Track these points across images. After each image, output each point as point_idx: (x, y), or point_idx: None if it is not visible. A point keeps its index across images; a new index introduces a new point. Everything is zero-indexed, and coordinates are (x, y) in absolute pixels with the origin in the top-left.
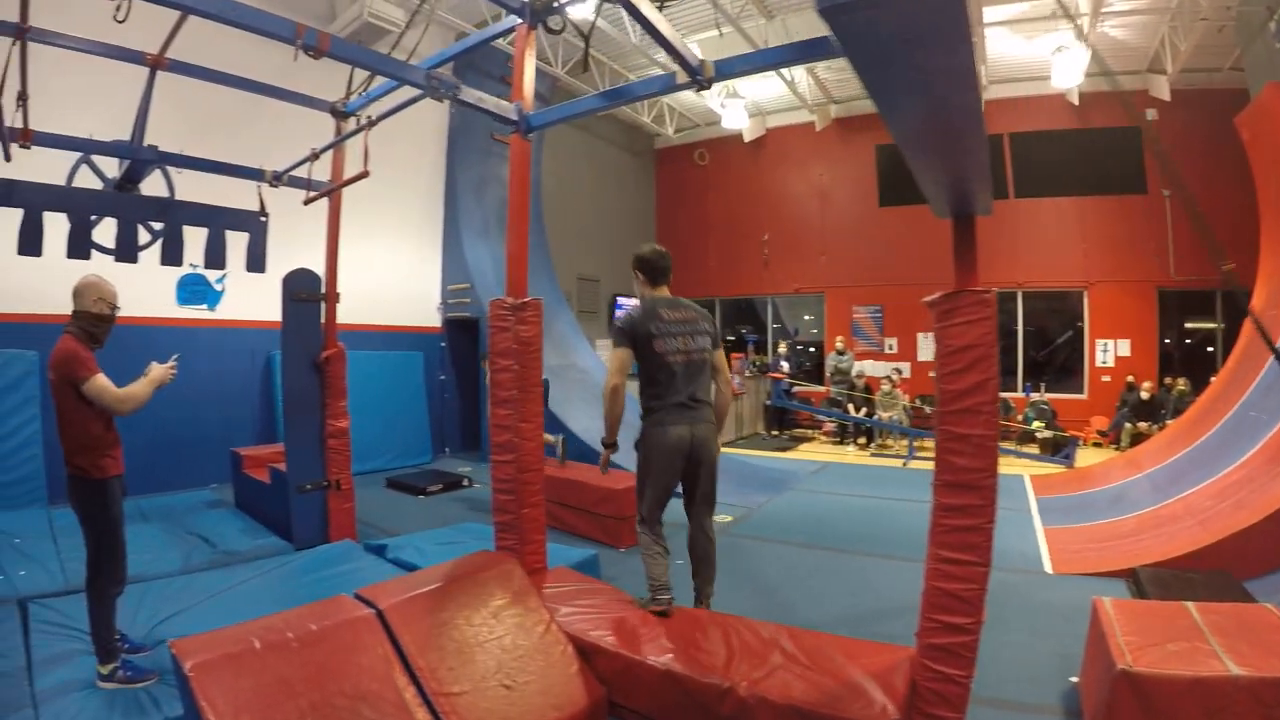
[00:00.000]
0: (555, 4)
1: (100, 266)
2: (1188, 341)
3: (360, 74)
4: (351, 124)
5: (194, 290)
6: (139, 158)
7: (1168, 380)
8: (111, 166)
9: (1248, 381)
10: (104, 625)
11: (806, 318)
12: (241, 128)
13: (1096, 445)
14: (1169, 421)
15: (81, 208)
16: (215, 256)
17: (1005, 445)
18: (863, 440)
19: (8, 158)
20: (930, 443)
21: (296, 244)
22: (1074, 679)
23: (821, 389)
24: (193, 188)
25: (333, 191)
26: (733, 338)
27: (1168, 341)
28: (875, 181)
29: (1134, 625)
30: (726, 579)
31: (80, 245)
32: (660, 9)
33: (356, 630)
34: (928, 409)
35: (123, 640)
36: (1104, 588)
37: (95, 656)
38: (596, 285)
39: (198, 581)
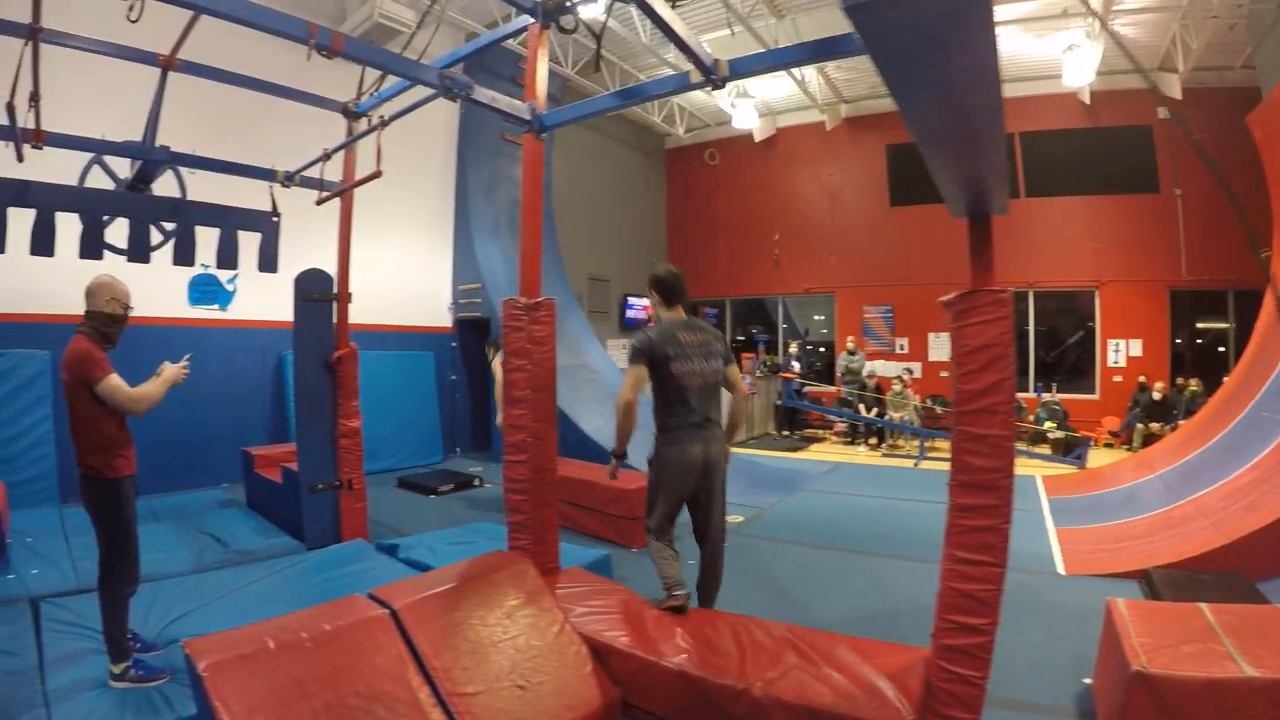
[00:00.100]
0: (568, 3)
1: (112, 267)
2: (1199, 342)
3: (371, 74)
4: (363, 124)
5: (205, 290)
6: (151, 158)
7: (1180, 380)
8: (123, 167)
9: (1260, 382)
10: (116, 625)
11: (817, 318)
12: (253, 128)
13: (1108, 446)
14: (1181, 422)
15: (94, 208)
16: (227, 257)
17: (1017, 446)
18: (874, 441)
19: (20, 158)
20: (942, 443)
21: (308, 244)
22: (1088, 680)
23: (832, 389)
24: (204, 188)
25: (345, 191)
26: (743, 338)
27: (1179, 342)
28: (886, 181)
29: (1148, 626)
30: (738, 579)
31: (93, 245)
32: (673, 7)
33: (371, 630)
34: (939, 409)
35: (135, 639)
36: (1117, 589)
37: (107, 655)
38: (607, 285)
39: (209, 581)
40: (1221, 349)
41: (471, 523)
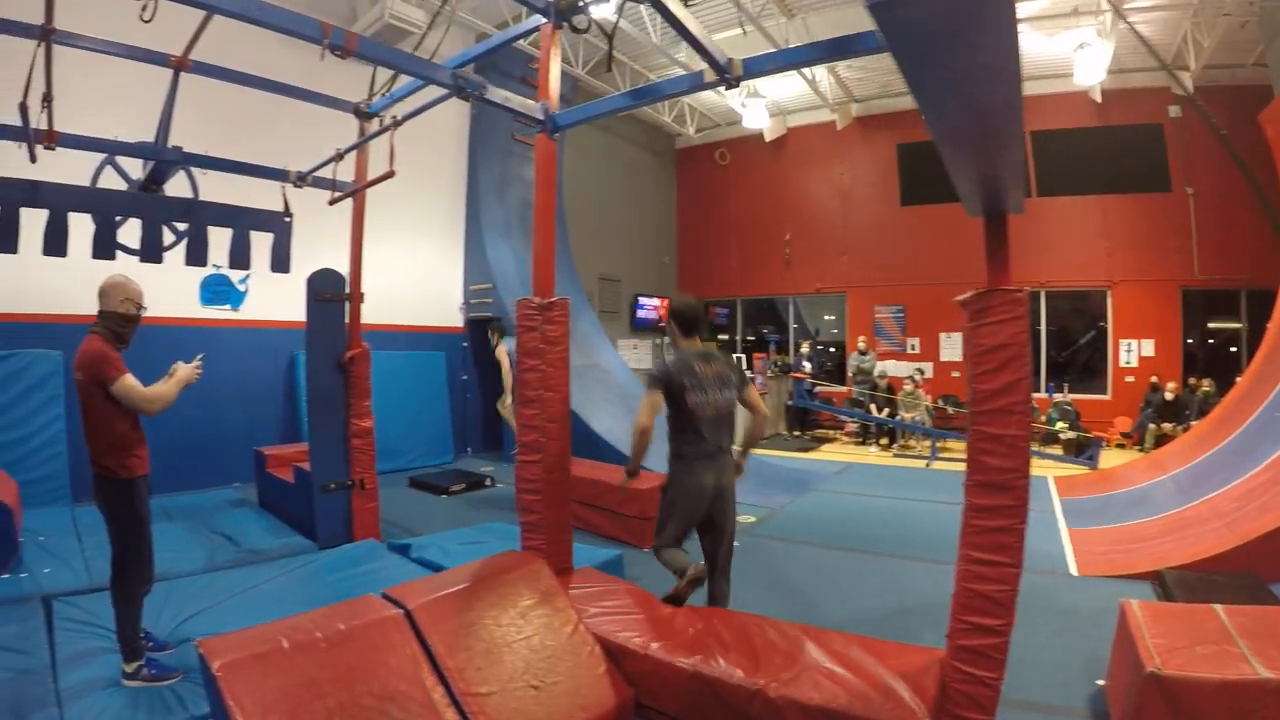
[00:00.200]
0: (580, 3)
1: (123, 267)
2: (1211, 342)
3: (383, 75)
4: (374, 125)
5: (217, 291)
6: (163, 159)
7: (1192, 381)
8: (135, 167)
9: (1273, 382)
10: (130, 624)
11: (828, 317)
12: (264, 129)
13: (1120, 447)
14: (1193, 423)
15: (107, 208)
16: (240, 257)
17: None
18: (885, 441)
19: (33, 159)
20: (953, 444)
21: (320, 244)
22: (1101, 682)
23: (843, 389)
24: (215, 188)
25: (358, 192)
26: (754, 337)
27: (1191, 342)
28: (897, 180)
29: (1162, 628)
30: (751, 579)
31: (105, 246)
32: (684, 6)
33: (385, 630)
34: (950, 409)
35: (147, 638)
36: (1129, 590)
37: (120, 654)
38: (618, 285)
39: (221, 580)
40: (1234, 349)
41: (483, 523)
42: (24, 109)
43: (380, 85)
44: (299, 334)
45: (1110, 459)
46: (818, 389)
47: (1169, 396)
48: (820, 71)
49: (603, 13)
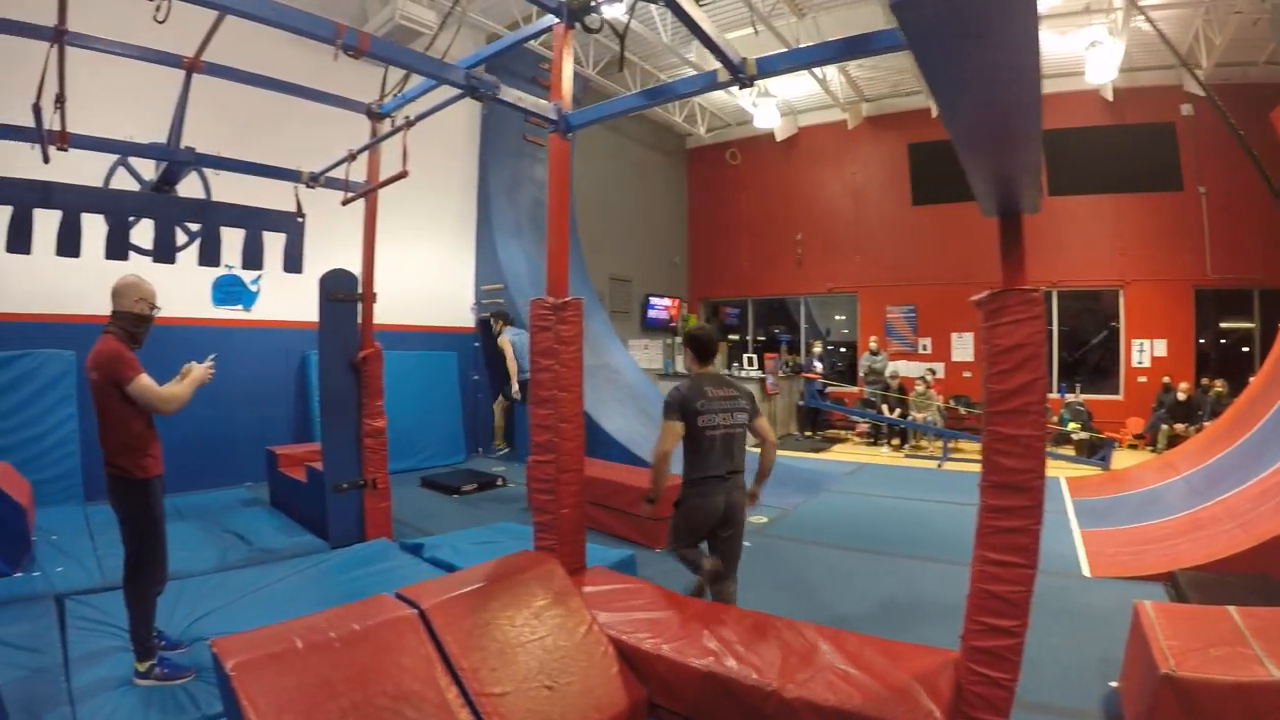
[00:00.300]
0: (592, 3)
1: (135, 267)
2: (1223, 342)
3: (395, 75)
4: (386, 125)
5: (229, 291)
6: (176, 159)
7: (1204, 381)
8: (148, 168)
9: None
10: (143, 623)
11: (839, 317)
12: (275, 129)
13: (1132, 447)
14: (1206, 423)
15: (120, 209)
16: (252, 257)
17: None
18: (896, 441)
19: (46, 160)
20: (965, 444)
21: (332, 245)
22: (1114, 683)
23: (855, 389)
24: (226, 189)
25: (371, 192)
26: (765, 337)
27: (1203, 342)
28: (908, 180)
29: (1176, 629)
30: (764, 579)
31: (119, 246)
32: (697, 5)
33: (399, 630)
34: (962, 410)
35: (160, 637)
36: (1142, 591)
37: (132, 653)
38: (629, 285)
39: (234, 579)
40: (1246, 349)
41: (495, 522)
42: (37, 110)
43: (392, 86)
44: (311, 334)
45: (1122, 460)
46: (829, 389)
47: (1181, 397)
48: (831, 71)
49: (614, 13)
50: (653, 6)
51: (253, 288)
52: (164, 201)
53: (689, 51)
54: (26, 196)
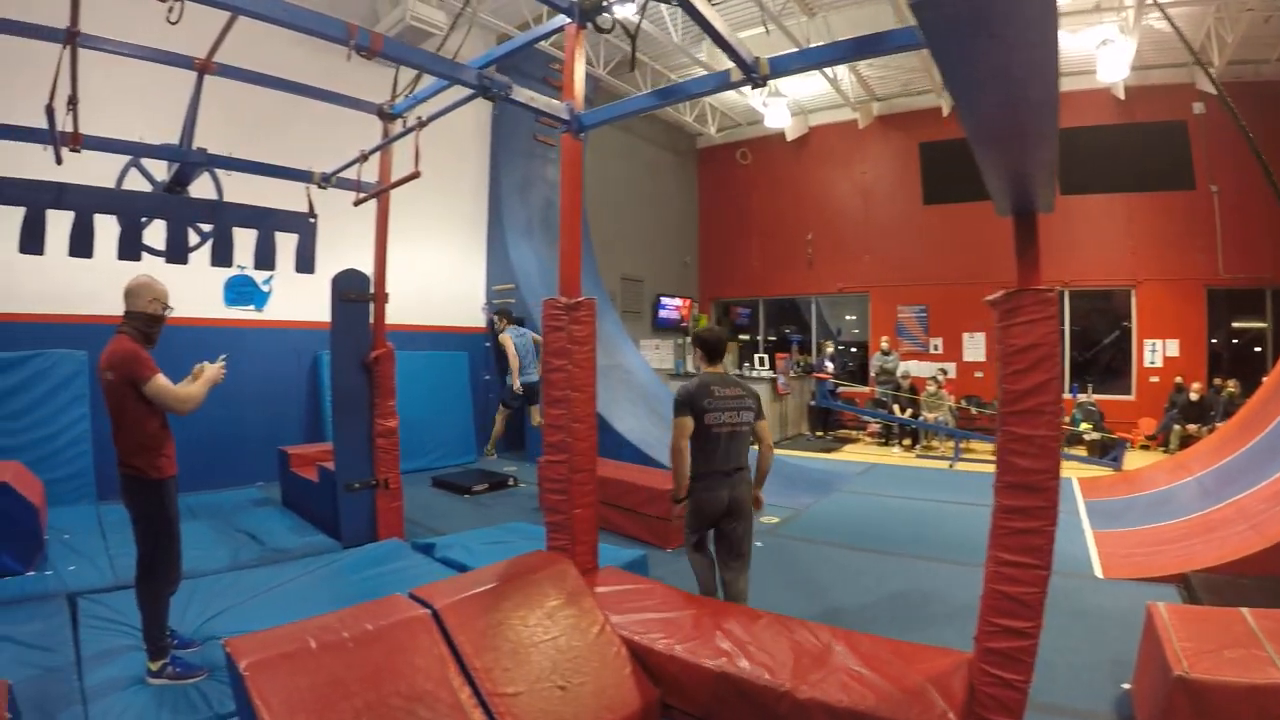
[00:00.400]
0: (603, 3)
1: (147, 268)
2: (1236, 342)
3: (406, 76)
4: (398, 126)
5: (241, 291)
6: (188, 160)
7: (1217, 381)
8: (160, 169)
9: None
10: (155, 622)
11: (850, 317)
12: (287, 130)
13: (1145, 448)
14: (1219, 424)
15: (132, 210)
16: (265, 258)
17: None
18: (907, 442)
19: (59, 161)
20: (976, 445)
21: (344, 245)
22: (1127, 685)
23: (866, 389)
24: (237, 189)
25: (383, 193)
26: (776, 337)
27: (1216, 341)
28: (919, 179)
29: (1189, 631)
30: (775, 580)
31: (131, 247)
32: (710, 4)
33: (412, 630)
34: (974, 410)
35: (172, 636)
36: (1155, 593)
37: (145, 652)
38: (640, 285)
39: (246, 578)
40: (1259, 349)
41: (506, 522)
42: (50, 112)
43: (403, 87)
44: (322, 334)
45: (1134, 460)
46: (840, 389)
47: (1194, 397)
48: (842, 70)
49: (625, 12)
50: (663, 6)
51: (264, 288)
52: (176, 202)
53: (700, 51)
54: (40, 197)
